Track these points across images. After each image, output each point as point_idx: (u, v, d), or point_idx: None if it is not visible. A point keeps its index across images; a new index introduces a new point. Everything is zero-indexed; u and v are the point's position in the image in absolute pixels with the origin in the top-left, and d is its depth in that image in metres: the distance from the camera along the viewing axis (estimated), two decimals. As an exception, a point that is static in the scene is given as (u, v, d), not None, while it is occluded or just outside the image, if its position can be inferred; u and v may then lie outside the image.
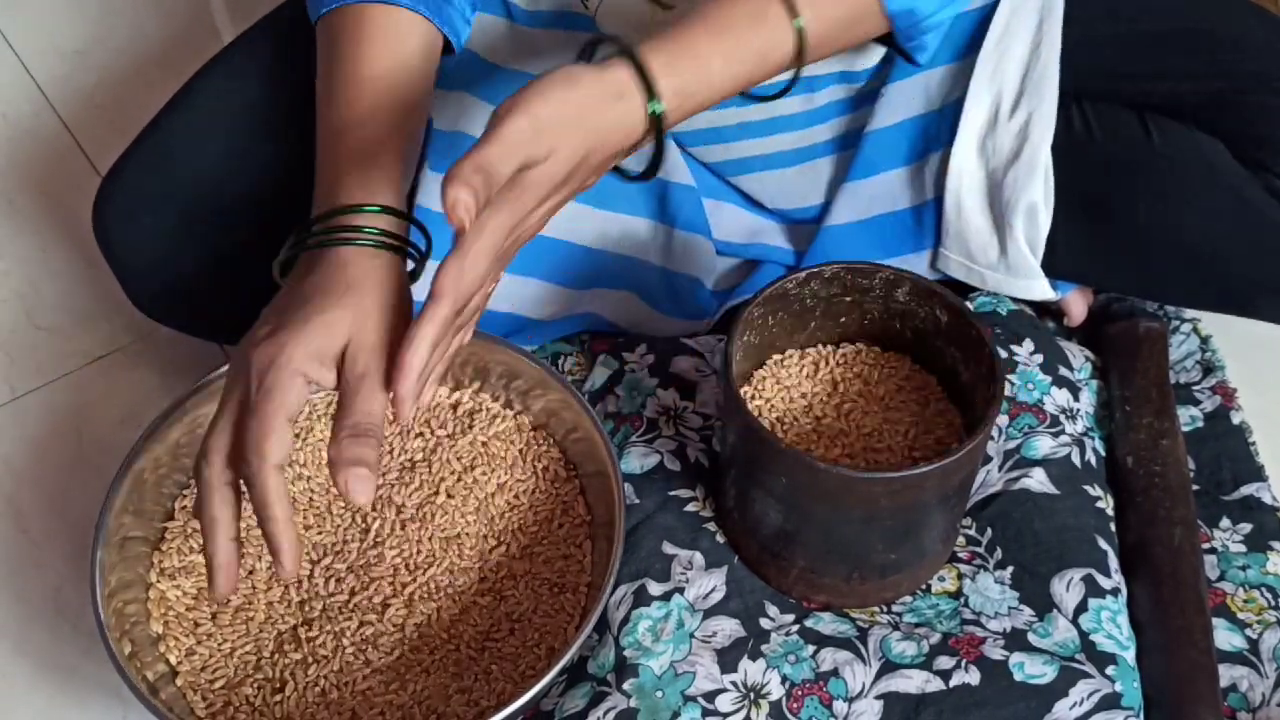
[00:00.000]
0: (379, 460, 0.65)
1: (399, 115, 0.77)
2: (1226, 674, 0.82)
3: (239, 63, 0.92)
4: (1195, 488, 0.92)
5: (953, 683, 0.78)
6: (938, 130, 0.94)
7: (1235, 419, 0.96)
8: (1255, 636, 0.84)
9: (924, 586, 0.85)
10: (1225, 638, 0.84)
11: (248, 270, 0.90)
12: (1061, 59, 0.89)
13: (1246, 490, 0.92)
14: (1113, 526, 0.88)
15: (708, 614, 0.82)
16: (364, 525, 0.87)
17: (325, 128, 0.77)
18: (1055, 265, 0.94)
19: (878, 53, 0.94)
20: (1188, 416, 0.97)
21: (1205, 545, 0.89)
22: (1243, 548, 0.89)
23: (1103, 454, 0.93)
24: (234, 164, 0.89)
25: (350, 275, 0.69)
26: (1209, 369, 1.00)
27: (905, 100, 0.95)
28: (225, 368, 0.87)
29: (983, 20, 0.91)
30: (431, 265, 0.92)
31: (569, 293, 0.99)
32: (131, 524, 0.83)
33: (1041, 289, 0.95)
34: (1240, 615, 0.86)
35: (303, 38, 0.92)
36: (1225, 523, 0.91)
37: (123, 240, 0.90)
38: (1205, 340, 1.01)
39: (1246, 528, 0.90)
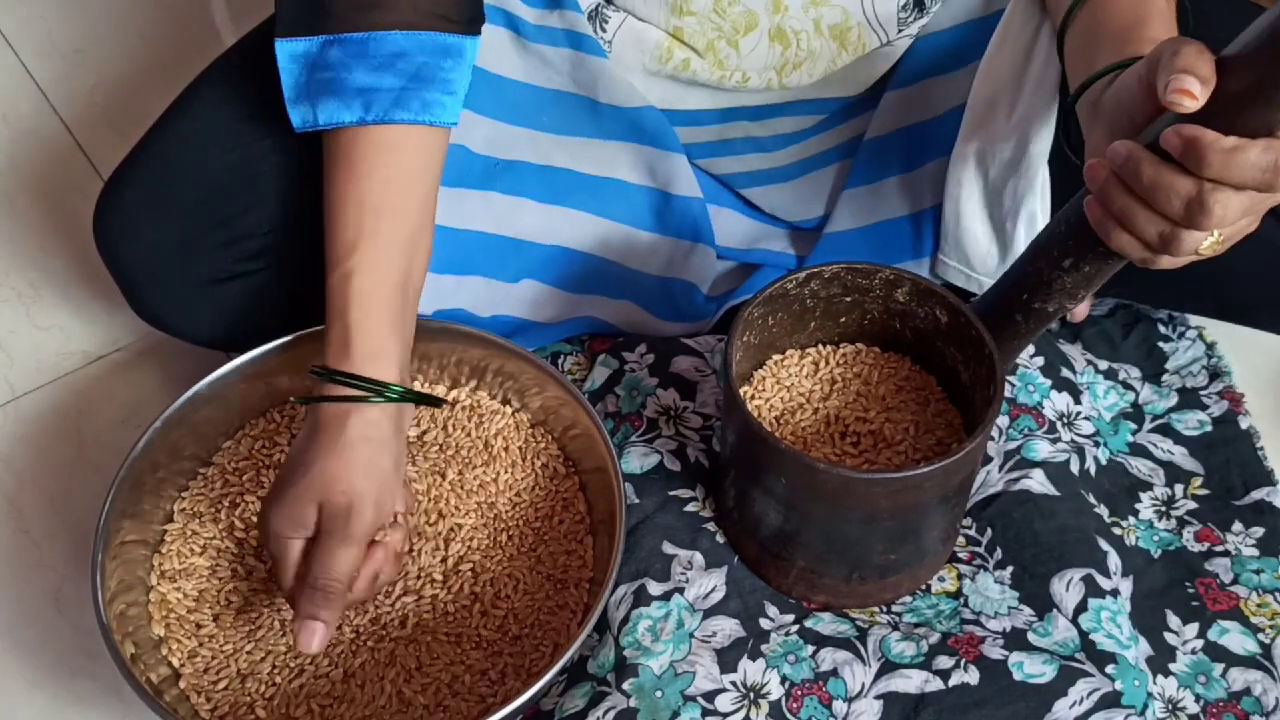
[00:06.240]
0: (337, 619, 0.75)
1: (405, 262, 0.79)
2: (1240, 678, 0.83)
3: (238, 70, 0.90)
4: (1206, 492, 0.93)
5: (952, 682, 0.78)
6: (936, 138, 0.93)
7: (1243, 424, 0.96)
8: (1269, 641, 0.84)
9: (924, 586, 0.85)
10: (1239, 642, 0.85)
11: (251, 282, 0.90)
12: None
13: (1257, 495, 0.92)
14: (1113, 528, 0.88)
15: (707, 614, 0.82)
16: (364, 525, 0.87)
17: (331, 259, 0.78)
18: None
19: (882, 68, 0.94)
20: (1195, 421, 0.97)
21: (1219, 547, 0.89)
22: (1255, 552, 0.89)
23: (1104, 462, 0.93)
24: (235, 175, 0.87)
25: (345, 436, 0.75)
26: (1215, 374, 1.00)
27: (903, 107, 0.94)
28: (225, 368, 0.87)
29: (982, 29, 0.91)
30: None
31: (568, 297, 0.98)
32: (131, 527, 0.83)
33: None
34: (1254, 620, 0.86)
35: None
36: (1237, 526, 0.91)
37: (125, 254, 0.88)
38: (1211, 346, 1.01)
39: (1259, 532, 0.90)
